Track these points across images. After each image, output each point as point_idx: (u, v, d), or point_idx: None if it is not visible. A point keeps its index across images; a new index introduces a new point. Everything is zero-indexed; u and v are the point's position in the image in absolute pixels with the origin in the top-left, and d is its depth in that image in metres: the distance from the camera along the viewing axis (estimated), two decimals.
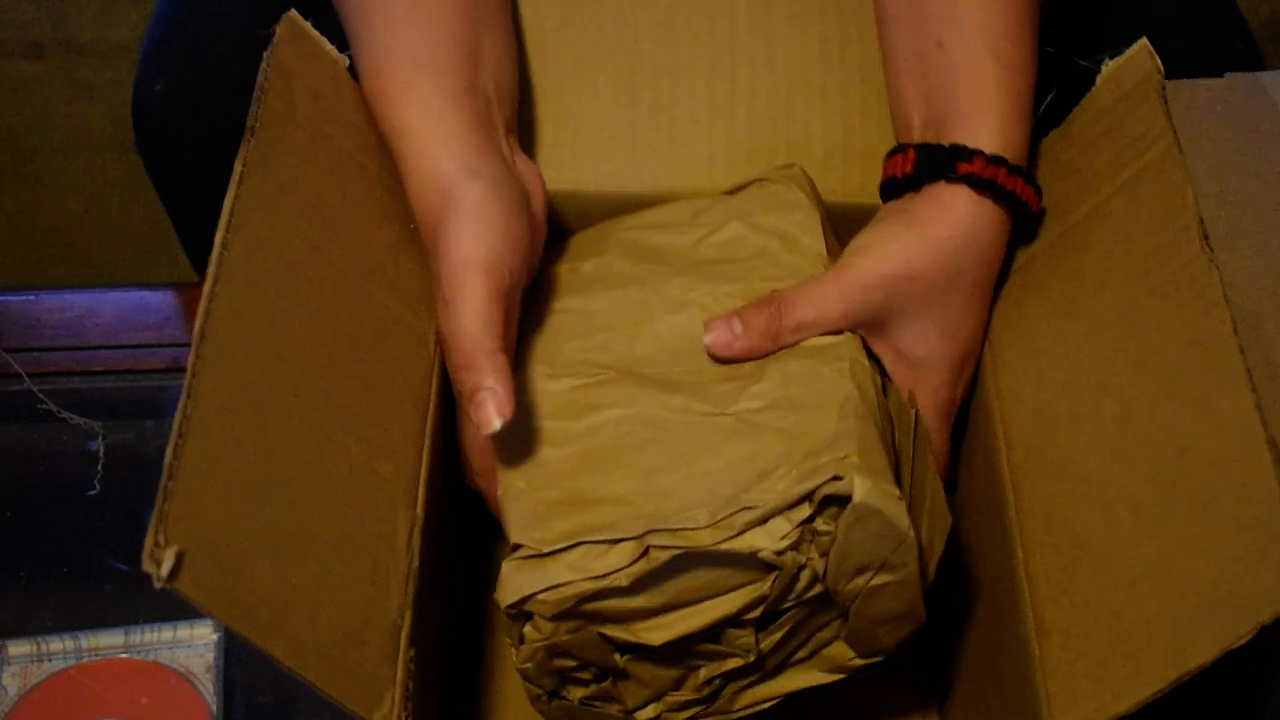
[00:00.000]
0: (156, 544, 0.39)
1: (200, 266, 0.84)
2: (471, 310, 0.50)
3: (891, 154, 0.58)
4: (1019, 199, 0.56)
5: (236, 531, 0.43)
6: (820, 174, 0.61)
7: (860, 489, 0.47)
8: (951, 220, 0.55)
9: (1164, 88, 0.54)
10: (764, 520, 0.48)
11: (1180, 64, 0.67)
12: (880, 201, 0.59)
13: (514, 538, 0.50)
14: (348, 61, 0.55)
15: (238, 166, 0.49)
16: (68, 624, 0.64)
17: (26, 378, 0.71)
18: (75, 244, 1.36)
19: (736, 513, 0.48)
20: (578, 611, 0.49)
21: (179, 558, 0.40)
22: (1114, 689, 0.46)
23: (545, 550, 0.49)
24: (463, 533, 0.64)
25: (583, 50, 0.62)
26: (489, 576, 0.65)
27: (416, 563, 0.50)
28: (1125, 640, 0.46)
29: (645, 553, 0.48)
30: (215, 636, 0.64)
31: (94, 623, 0.64)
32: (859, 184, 0.61)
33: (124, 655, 0.63)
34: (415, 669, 0.48)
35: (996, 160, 0.54)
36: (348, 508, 0.49)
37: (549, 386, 0.55)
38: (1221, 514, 0.45)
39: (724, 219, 0.59)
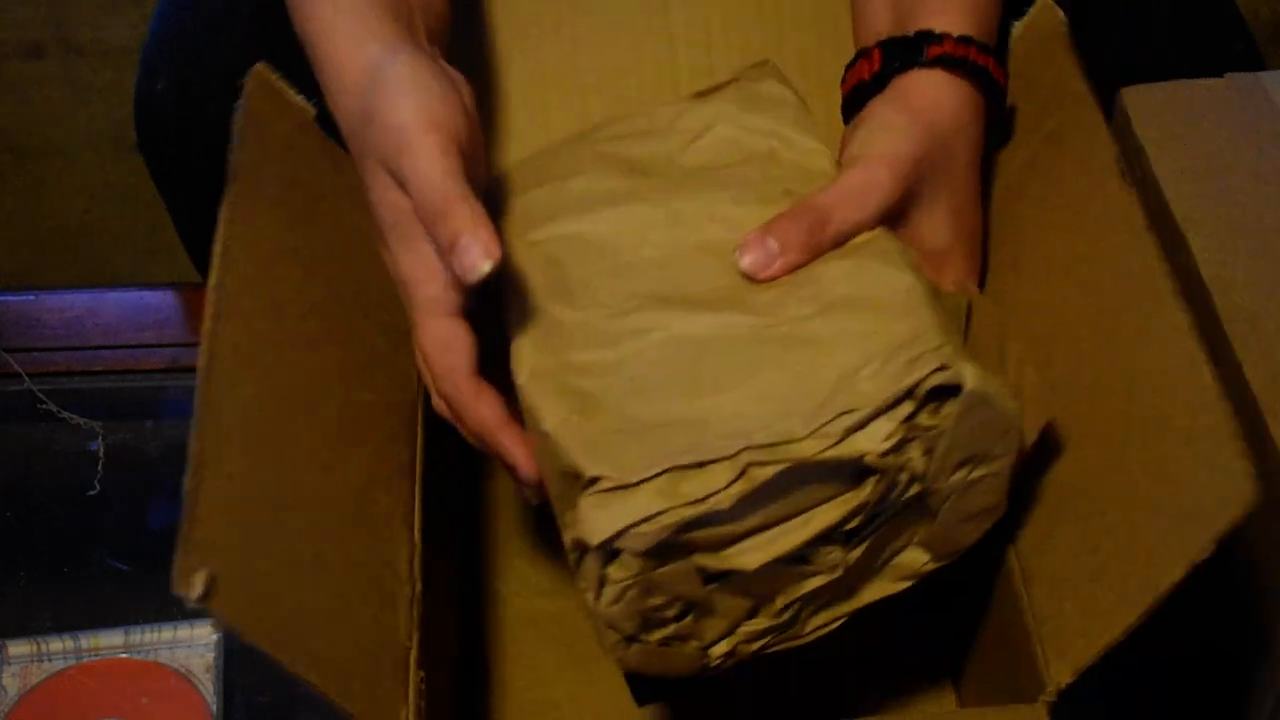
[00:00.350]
0: (186, 567, 0.40)
1: (201, 266, 0.84)
2: (428, 161, 0.47)
3: (852, 64, 0.57)
4: (991, 76, 0.55)
5: (256, 555, 0.44)
6: None
7: (971, 377, 0.45)
8: (933, 102, 0.54)
9: (1070, 37, 0.55)
10: (865, 423, 0.45)
11: (1180, 64, 0.67)
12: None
13: (591, 469, 0.45)
14: (314, 111, 0.56)
15: (223, 211, 0.49)
16: (68, 624, 0.64)
17: (26, 378, 0.71)
18: (76, 244, 1.36)
19: (835, 419, 0.45)
20: (673, 542, 0.45)
21: (210, 579, 0.40)
22: (1101, 622, 0.46)
23: (633, 480, 0.44)
24: (459, 553, 0.65)
25: (526, 70, 0.63)
26: (486, 592, 0.66)
27: (420, 588, 0.51)
28: (1105, 573, 0.47)
29: (744, 472, 0.45)
30: (215, 636, 0.64)
31: (94, 623, 0.64)
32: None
33: (124, 655, 0.63)
34: (426, 689, 0.49)
35: (964, 40, 0.54)
36: (352, 533, 0.49)
37: (571, 317, 0.51)
38: (1174, 432, 0.46)
39: (707, 122, 0.56)
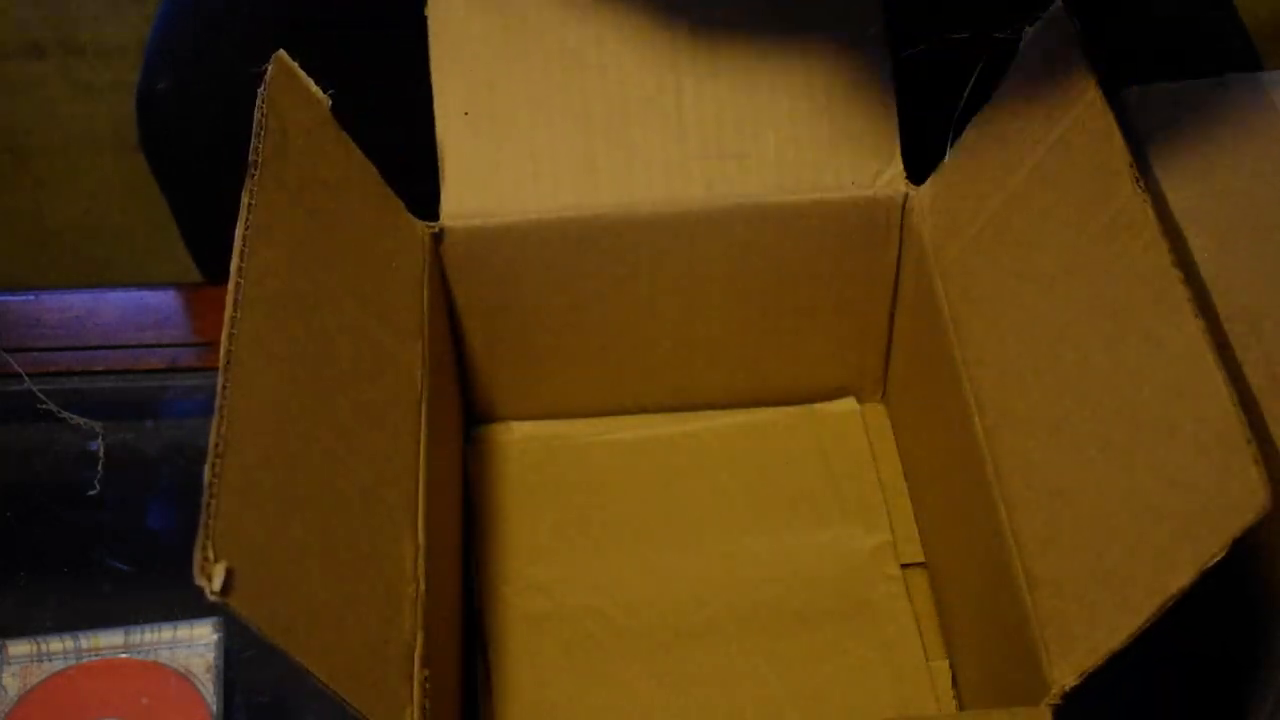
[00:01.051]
0: (206, 559, 0.41)
1: (202, 265, 0.84)
2: None
3: None
4: None
5: (273, 548, 0.44)
6: (774, 171, 0.62)
7: None
8: None
9: (1084, 44, 0.55)
10: None
11: (1180, 64, 0.67)
12: None
13: None
14: (329, 101, 0.57)
15: (245, 199, 0.50)
16: (68, 624, 0.64)
17: (26, 378, 0.71)
18: (75, 244, 1.36)
19: None
20: None
21: (229, 573, 0.41)
22: (1106, 626, 0.46)
23: None
24: (461, 553, 0.65)
25: (532, 83, 0.63)
26: (486, 592, 0.66)
27: (423, 587, 0.51)
28: (1110, 578, 0.47)
29: None
30: (215, 636, 0.64)
31: (94, 623, 0.64)
32: (811, 181, 0.62)
33: (124, 655, 0.63)
34: (430, 688, 0.49)
35: None
36: (361, 530, 0.50)
37: None
38: (1183, 438, 0.46)
39: None
